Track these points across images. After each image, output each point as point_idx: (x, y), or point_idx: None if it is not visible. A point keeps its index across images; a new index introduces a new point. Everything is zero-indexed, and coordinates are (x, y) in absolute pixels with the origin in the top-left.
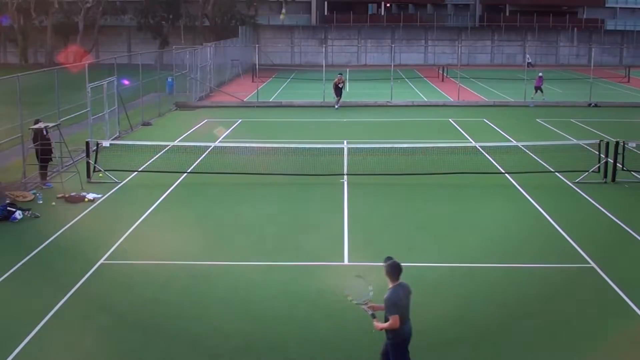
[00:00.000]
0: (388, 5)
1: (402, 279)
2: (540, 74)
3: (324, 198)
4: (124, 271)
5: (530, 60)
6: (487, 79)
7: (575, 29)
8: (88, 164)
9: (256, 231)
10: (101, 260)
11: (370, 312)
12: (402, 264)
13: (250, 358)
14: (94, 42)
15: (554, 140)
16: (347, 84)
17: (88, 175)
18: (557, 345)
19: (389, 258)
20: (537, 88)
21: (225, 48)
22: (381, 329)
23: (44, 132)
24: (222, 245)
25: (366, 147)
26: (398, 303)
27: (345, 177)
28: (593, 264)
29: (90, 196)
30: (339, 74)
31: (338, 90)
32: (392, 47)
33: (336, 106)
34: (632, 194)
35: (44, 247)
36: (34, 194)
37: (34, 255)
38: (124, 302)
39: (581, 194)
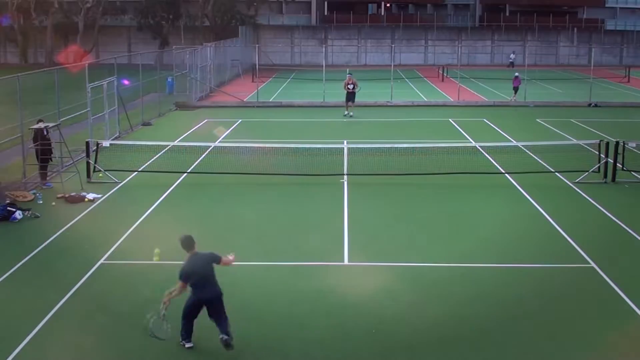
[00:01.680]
0: (388, 5)
1: (403, 278)
2: (516, 74)
3: (324, 198)
4: (124, 271)
5: (512, 60)
6: (487, 79)
7: (575, 29)
8: (88, 164)
9: (256, 231)
10: (101, 260)
11: (174, 295)
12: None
13: (250, 358)
14: (94, 42)
15: (554, 140)
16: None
17: (88, 175)
18: (557, 345)
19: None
20: (516, 88)
21: (225, 48)
22: (170, 298)
23: (44, 132)
24: (222, 245)
25: (366, 147)
26: (184, 272)
27: (345, 177)
28: (593, 264)
29: (90, 196)
30: (348, 73)
31: (350, 95)
32: (392, 47)
33: (345, 112)
34: (632, 194)
35: (44, 247)
36: (34, 194)
37: (34, 255)
38: (124, 302)
39: (581, 194)
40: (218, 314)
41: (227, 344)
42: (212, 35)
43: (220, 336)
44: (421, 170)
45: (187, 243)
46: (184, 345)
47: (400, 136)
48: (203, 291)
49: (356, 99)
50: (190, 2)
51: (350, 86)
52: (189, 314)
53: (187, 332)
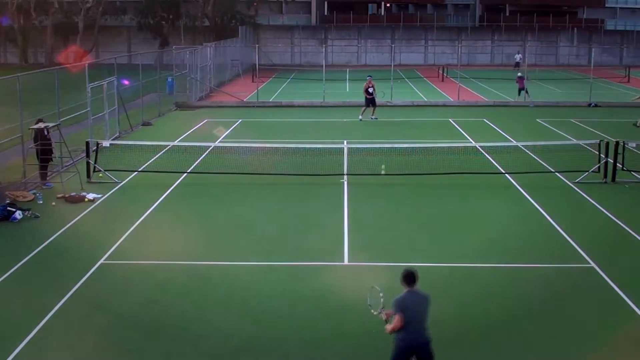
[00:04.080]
0: (388, 5)
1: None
2: (519, 74)
3: (324, 198)
4: (124, 271)
5: (519, 60)
6: (487, 79)
7: (575, 29)
8: (88, 164)
9: (256, 231)
10: (101, 260)
11: (384, 319)
12: (415, 272)
13: (250, 358)
14: (94, 42)
15: (554, 140)
16: (375, 89)
17: (88, 175)
18: (557, 345)
19: (406, 270)
20: (522, 89)
21: (225, 48)
22: (389, 331)
23: (45, 132)
24: (222, 245)
25: (366, 147)
26: (402, 304)
27: (345, 177)
28: (593, 264)
29: (90, 196)
30: (368, 76)
31: (369, 100)
32: (392, 47)
33: (360, 117)
34: (632, 194)
35: (44, 247)
36: (34, 194)
37: (34, 255)
38: (124, 302)
39: (581, 194)
40: None
41: None
42: (212, 35)
43: None
44: (421, 170)
45: (411, 278)
46: None
47: (400, 136)
48: (417, 333)
49: (356, 99)
50: (190, 2)
51: (371, 89)
52: None
53: None
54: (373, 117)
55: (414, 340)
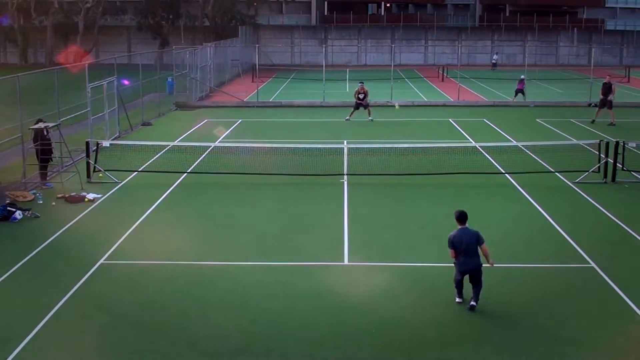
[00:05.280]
0: (388, 5)
1: (403, 278)
2: (522, 77)
3: (324, 198)
4: (124, 271)
5: (495, 61)
6: (487, 79)
7: (575, 29)
8: (88, 164)
9: (256, 231)
10: (101, 260)
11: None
12: (464, 212)
13: (250, 358)
14: (94, 42)
15: (554, 140)
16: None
17: (88, 175)
18: (557, 345)
19: (458, 210)
20: (519, 91)
21: (225, 48)
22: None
23: (45, 132)
24: (222, 245)
25: (366, 147)
26: (454, 239)
27: (345, 177)
28: (593, 264)
29: (90, 196)
30: (360, 82)
31: (358, 104)
32: (392, 47)
33: (347, 117)
34: (632, 194)
35: (44, 247)
36: (34, 194)
37: (34, 255)
38: (124, 302)
39: (581, 194)
40: (476, 282)
41: (472, 309)
42: (212, 35)
43: (470, 303)
44: (421, 170)
45: (463, 217)
46: (455, 299)
47: (400, 136)
48: (466, 261)
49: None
50: (190, 2)
51: (361, 96)
52: (457, 282)
53: (459, 292)
54: (369, 118)
55: (465, 266)
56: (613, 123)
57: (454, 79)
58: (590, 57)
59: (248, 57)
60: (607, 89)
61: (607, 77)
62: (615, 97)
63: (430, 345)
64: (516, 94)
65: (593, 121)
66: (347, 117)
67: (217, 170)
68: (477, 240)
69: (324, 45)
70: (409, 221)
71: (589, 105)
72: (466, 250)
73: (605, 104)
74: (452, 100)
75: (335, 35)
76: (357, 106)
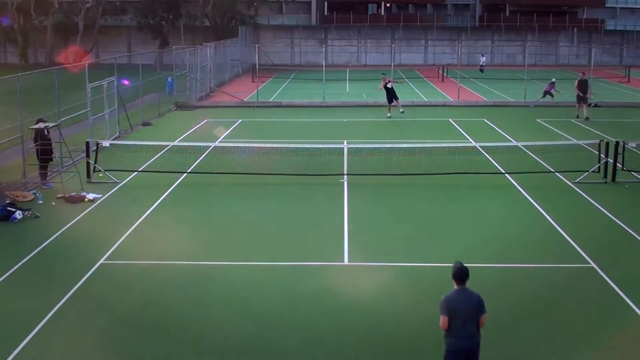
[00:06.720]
0: (388, 5)
1: (403, 278)
2: (553, 79)
3: (324, 198)
4: (124, 271)
5: (483, 63)
6: (487, 79)
7: (575, 29)
8: (88, 164)
9: (256, 231)
10: (101, 260)
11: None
12: (463, 268)
13: (250, 358)
14: (94, 42)
15: (554, 140)
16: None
17: (88, 175)
18: (557, 345)
19: (457, 262)
20: (547, 93)
21: (225, 48)
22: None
23: (45, 132)
24: (222, 245)
25: (366, 147)
26: (448, 304)
27: (345, 177)
28: (593, 264)
29: (90, 196)
30: (382, 74)
31: (390, 92)
32: (392, 47)
33: (388, 114)
34: (632, 194)
35: (44, 247)
36: (34, 194)
37: (34, 255)
38: (124, 302)
39: (581, 194)
40: None
41: None
42: (212, 35)
43: None
44: (421, 170)
45: (462, 275)
46: None
47: (400, 136)
48: (461, 338)
49: (356, 99)
50: (190, 2)
51: (389, 85)
52: None
53: None
54: (389, 115)
55: (462, 345)
56: (588, 117)
57: (454, 79)
58: (590, 57)
59: (248, 57)
60: (585, 85)
61: (582, 74)
62: (615, 97)
63: (430, 344)
64: (544, 95)
65: (577, 116)
66: (389, 115)
67: (217, 170)
68: (480, 309)
69: (324, 45)
70: (409, 221)
71: (589, 105)
72: (463, 323)
73: (583, 100)
74: (452, 100)
75: (335, 35)
76: (390, 100)
